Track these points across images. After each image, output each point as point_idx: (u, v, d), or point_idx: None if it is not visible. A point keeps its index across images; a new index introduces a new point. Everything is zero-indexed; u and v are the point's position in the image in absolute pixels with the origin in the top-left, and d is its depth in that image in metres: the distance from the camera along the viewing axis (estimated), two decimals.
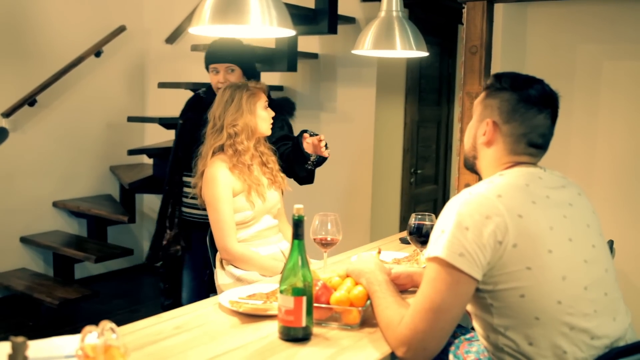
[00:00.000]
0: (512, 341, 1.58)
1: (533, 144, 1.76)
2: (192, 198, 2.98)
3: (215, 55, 3.06)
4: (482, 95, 1.84)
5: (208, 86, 3.23)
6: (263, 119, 2.77)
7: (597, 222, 1.76)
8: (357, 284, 1.92)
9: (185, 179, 3.11)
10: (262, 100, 2.77)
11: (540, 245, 1.56)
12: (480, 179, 1.84)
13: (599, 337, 1.57)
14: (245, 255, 2.65)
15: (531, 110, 1.73)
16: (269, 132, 2.81)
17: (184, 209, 3.15)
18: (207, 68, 3.12)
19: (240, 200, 2.69)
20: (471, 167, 1.89)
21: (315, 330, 1.80)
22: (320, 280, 1.90)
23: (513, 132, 1.74)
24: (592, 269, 1.62)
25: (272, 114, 2.82)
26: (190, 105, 3.25)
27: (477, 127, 1.82)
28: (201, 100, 3.18)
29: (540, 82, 1.78)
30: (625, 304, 1.73)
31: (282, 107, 3.15)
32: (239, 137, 2.70)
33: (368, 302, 1.86)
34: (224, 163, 2.68)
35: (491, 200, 1.58)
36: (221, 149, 2.73)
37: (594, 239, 1.69)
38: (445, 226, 1.58)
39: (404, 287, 2.13)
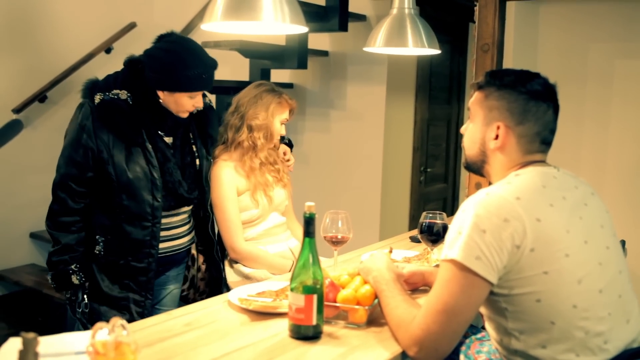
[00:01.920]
0: (526, 344, 1.57)
1: (545, 140, 1.73)
2: (174, 227, 2.53)
3: (207, 83, 2.37)
4: (480, 96, 1.77)
5: (123, 83, 2.38)
6: (275, 133, 2.75)
7: (610, 222, 1.73)
8: (365, 282, 1.91)
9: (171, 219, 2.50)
10: (284, 115, 2.76)
11: (557, 250, 1.54)
12: (488, 181, 1.81)
13: (612, 340, 1.55)
14: (252, 254, 2.65)
15: (541, 107, 1.70)
16: (271, 146, 2.79)
17: (165, 244, 2.50)
18: (171, 89, 2.33)
19: (245, 199, 2.69)
20: (476, 170, 1.83)
21: (326, 328, 1.79)
22: (328, 278, 1.89)
23: (528, 133, 1.70)
24: (606, 271, 1.60)
25: (284, 133, 2.79)
26: (118, 115, 2.33)
27: (484, 132, 1.75)
28: (123, 112, 2.33)
29: (538, 75, 1.74)
30: (638, 305, 1.71)
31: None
32: (258, 133, 2.70)
33: (375, 301, 1.85)
34: (227, 162, 2.68)
35: (510, 202, 1.55)
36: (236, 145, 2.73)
37: (608, 240, 1.67)
38: (462, 227, 1.56)
39: (416, 285, 2.12)
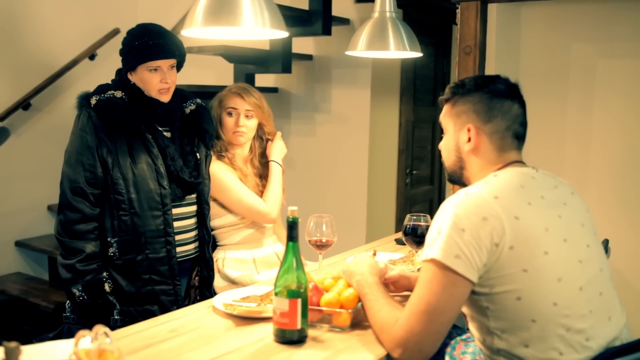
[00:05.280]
0: (509, 343, 1.58)
1: (517, 134, 1.77)
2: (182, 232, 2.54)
3: (159, 50, 2.39)
4: (447, 107, 1.83)
5: (115, 85, 2.46)
6: (224, 127, 2.74)
7: (590, 221, 1.75)
8: (349, 285, 1.92)
9: (178, 210, 2.53)
10: (228, 104, 2.73)
11: (536, 247, 1.56)
12: None
13: (594, 338, 1.57)
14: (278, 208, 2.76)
15: (506, 102, 1.75)
16: (232, 142, 2.75)
17: (179, 249, 2.52)
18: (132, 67, 2.42)
19: None
20: (457, 179, 1.86)
21: (310, 332, 1.79)
22: (312, 282, 1.89)
23: (497, 129, 1.74)
24: (586, 269, 1.62)
25: (240, 124, 2.72)
26: (116, 110, 2.38)
27: (457, 138, 1.80)
28: (121, 106, 2.39)
29: (499, 76, 1.80)
30: (620, 303, 1.73)
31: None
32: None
33: (359, 304, 1.85)
34: (220, 161, 2.69)
35: (488, 201, 1.57)
36: None
37: (588, 239, 1.69)
38: (442, 227, 1.58)
39: (402, 289, 2.12)
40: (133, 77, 2.44)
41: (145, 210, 2.37)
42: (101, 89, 2.45)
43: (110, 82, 2.50)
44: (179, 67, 2.52)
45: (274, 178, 2.78)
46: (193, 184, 2.51)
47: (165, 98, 2.46)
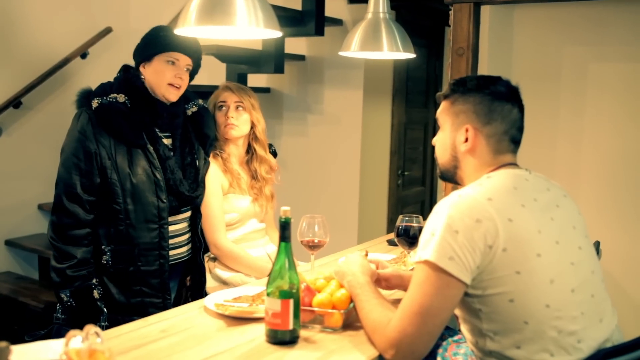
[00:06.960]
0: (501, 345, 1.58)
1: (514, 139, 1.77)
2: (177, 235, 2.55)
3: (181, 44, 2.39)
4: (446, 104, 1.81)
5: (119, 86, 2.41)
6: (217, 122, 2.74)
7: (582, 224, 1.76)
8: (341, 286, 1.92)
9: (172, 217, 2.50)
10: (218, 101, 2.74)
11: (529, 250, 1.56)
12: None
13: (585, 340, 1.57)
14: (234, 252, 2.64)
15: (506, 106, 1.74)
16: (225, 136, 2.73)
17: (171, 252, 2.50)
18: (150, 57, 2.41)
19: (228, 199, 2.68)
20: (450, 178, 1.86)
21: (302, 333, 1.79)
22: (304, 282, 1.89)
23: (495, 132, 1.74)
24: (578, 271, 1.63)
25: (231, 117, 2.70)
26: (118, 117, 2.34)
27: (453, 137, 1.79)
28: (123, 113, 2.36)
29: (500, 78, 1.79)
30: (611, 304, 1.73)
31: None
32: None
33: (351, 305, 1.85)
34: (214, 160, 2.68)
35: (482, 203, 1.57)
36: None
37: (580, 241, 1.69)
38: (435, 229, 1.57)
39: (394, 287, 2.12)
40: (145, 69, 2.42)
41: (141, 222, 2.34)
42: (103, 89, 2.41)
43: (112, 81, 2.46)
44: (191, 76, 2.52)
45: (264, 263, 2.69)
46: (190, 198, 2.50)
47: (174, 96, 2.44)
